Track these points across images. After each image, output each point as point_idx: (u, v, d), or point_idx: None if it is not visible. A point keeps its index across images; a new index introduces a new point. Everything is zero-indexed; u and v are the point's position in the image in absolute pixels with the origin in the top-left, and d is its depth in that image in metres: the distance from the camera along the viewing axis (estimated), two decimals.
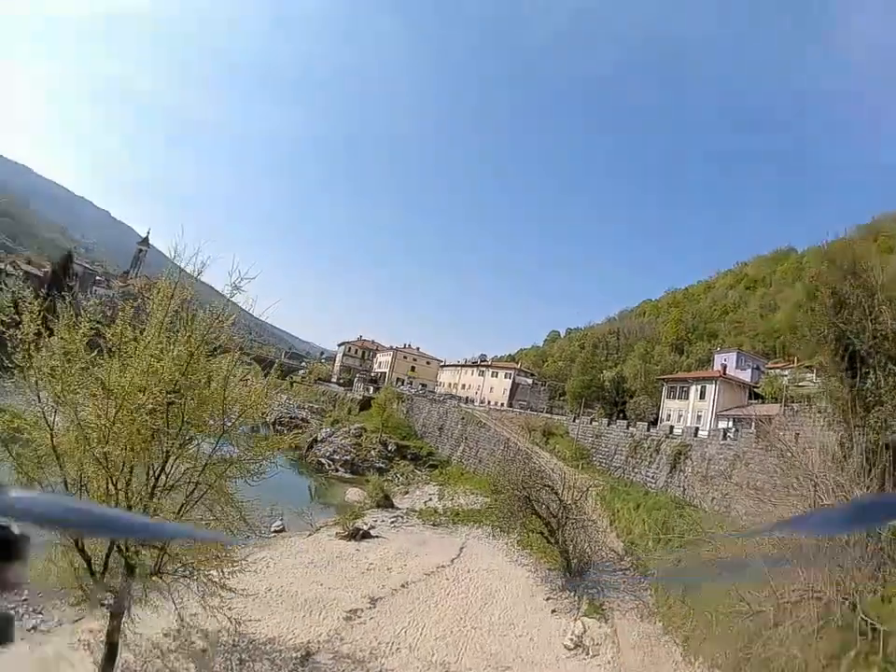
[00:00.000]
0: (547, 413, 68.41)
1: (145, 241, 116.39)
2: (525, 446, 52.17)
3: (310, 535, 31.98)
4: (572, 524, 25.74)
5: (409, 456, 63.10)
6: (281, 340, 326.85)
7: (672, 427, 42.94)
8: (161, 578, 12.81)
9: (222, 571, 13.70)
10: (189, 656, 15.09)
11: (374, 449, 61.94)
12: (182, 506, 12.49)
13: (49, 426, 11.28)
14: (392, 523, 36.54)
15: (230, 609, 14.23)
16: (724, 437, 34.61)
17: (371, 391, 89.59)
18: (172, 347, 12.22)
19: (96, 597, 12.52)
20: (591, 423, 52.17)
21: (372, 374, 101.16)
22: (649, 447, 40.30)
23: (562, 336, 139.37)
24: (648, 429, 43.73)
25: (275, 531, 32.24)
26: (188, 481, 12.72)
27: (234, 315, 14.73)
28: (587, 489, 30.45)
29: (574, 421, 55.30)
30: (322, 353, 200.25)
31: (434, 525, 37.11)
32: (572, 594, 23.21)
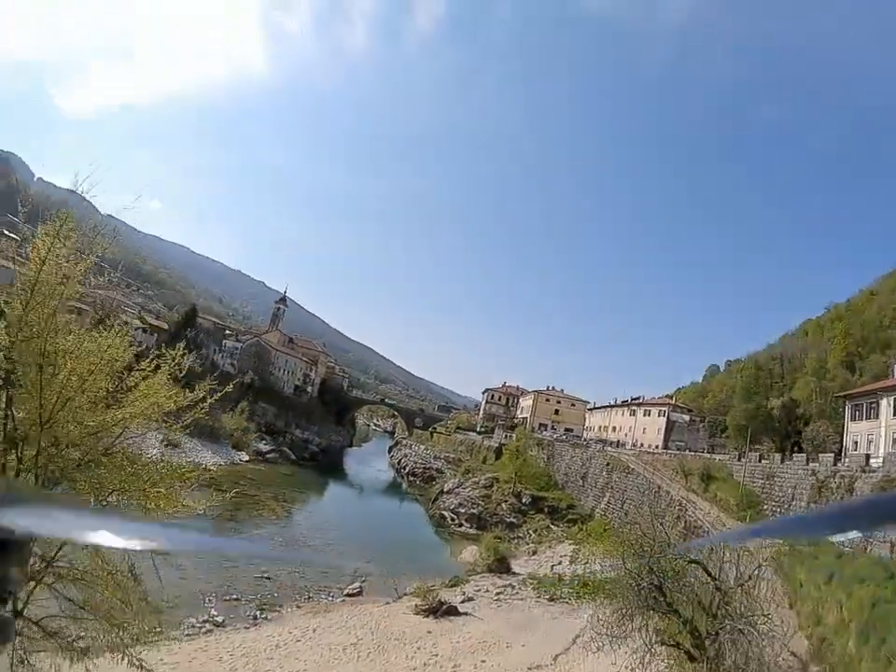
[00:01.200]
0: (707, 452, 56.45)
1: (282, 299, 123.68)
2: (679, 495, 41.91)
3: (386, 603, 26.24)
4: (731, 626, 15.41)
5: (545, 510, 55.11)
6: (440, 396, 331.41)
7: (868, 457, 31.03)
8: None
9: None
10: None
11: (506, 502, 54.94)
12: None
13: None
14: (497, 594, 29.50)
15: None
16: None
17: (510, 438, 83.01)
18: None
19: None
20: (760, 461, 40.58)
21: (514, 421, 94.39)
22: (838, 487, 29.04)
23: (721, 370, 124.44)
24: (834, 463, 32.12)
25: (349, 594, 27.01)
26: None
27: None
28: (759, 566, 18.79)
29: (739, 460, 43.75)
30: (476, 405, 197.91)
31: (552, 599, 29.46)
32: None
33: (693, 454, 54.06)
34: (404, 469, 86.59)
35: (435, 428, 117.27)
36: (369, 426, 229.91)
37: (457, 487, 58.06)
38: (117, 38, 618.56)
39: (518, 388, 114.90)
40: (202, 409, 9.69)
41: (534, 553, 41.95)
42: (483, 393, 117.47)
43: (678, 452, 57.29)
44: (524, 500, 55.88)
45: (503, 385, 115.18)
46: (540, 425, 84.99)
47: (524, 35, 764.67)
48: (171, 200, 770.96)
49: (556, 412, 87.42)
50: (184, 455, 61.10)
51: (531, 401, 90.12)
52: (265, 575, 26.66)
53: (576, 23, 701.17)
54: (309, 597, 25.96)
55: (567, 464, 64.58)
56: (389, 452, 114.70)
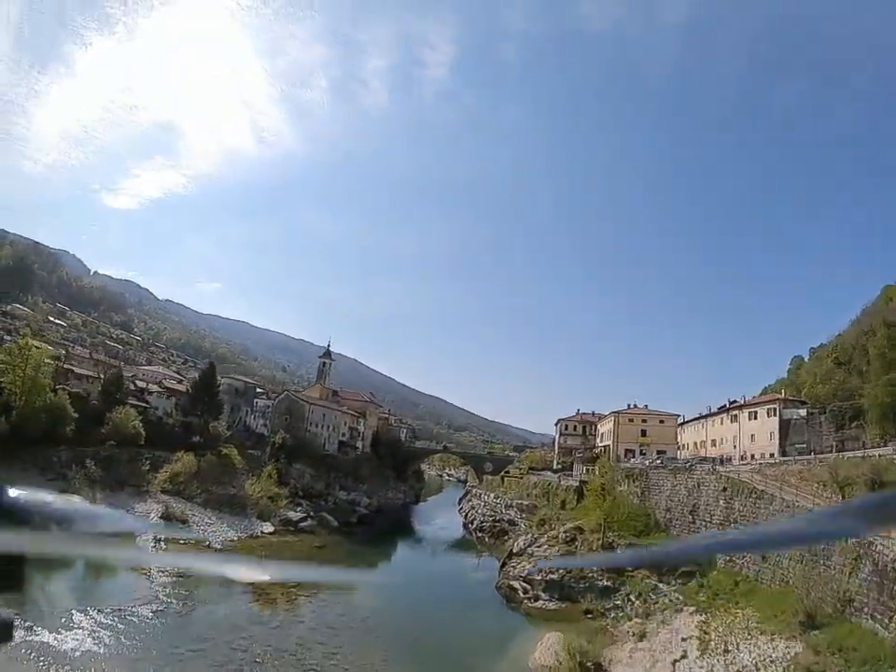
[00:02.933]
0: (837, 450, 41.65)
1: (326, 353, 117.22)
2: None
3: None
4: None
5: (646, 561, 41.37)
6: (516, 437, 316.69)
7: None
8: None
9: None
10: None
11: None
12: None
13: None
14: None
15: None
16: None
17: (592, 472, 69.42)
18: None
19: None
20: None
21: (594, 452, 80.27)
22: None
23: (806, 360, 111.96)
24: None
25: None
26: None
27: None
28: None
29: None
30: (553, 441, 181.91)
31: None
32: None
33: (822, 455, 39.24)
34: (471, 523, 73.92)
35: (507, 471, 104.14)
36: (441, 476, 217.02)
37: (530, 546, 45.29)
38: (153, 137, 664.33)
39: (594, 414, 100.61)
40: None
41: (642, 636, 28.71)
42: (556, 425, 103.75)
43: (802, 457, 42.62)
44: (619, 552, 42.44)
45: (577, 414, 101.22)
46: (626, 451, 70.57)
47: (531, 66, 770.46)
48: (229, 279, 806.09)
49: (643, 432, 72.66)
50: (187, 530, 52.09)
51: (611, 425, 75.97)
52: None
53: (579, 43, 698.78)
54: None
55: (667, 497, 50.43)
56: (459, 503, 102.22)
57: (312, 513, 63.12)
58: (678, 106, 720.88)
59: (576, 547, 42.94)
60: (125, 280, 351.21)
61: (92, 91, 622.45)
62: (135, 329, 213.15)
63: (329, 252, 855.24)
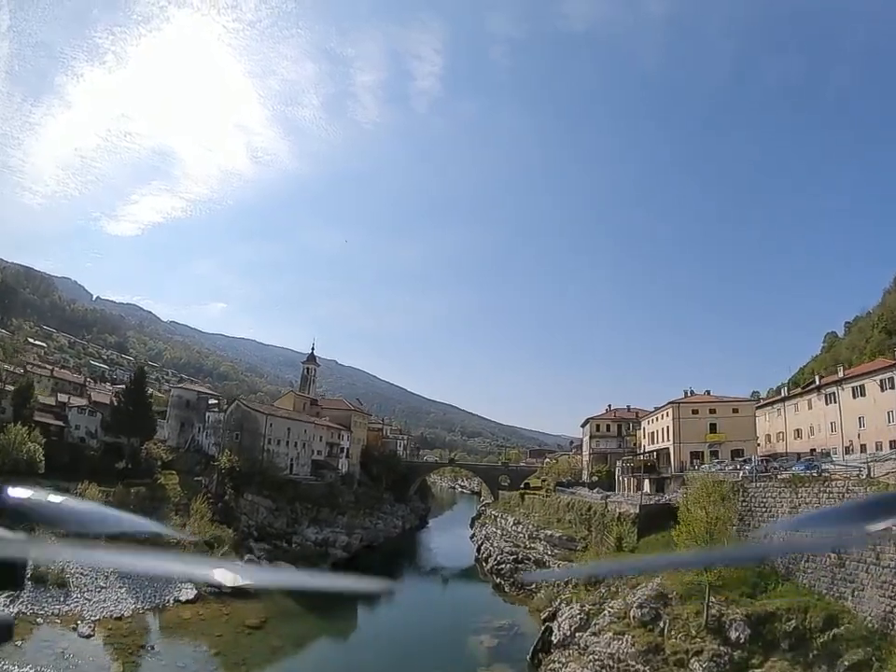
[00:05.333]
0: None
1: (310, 358, 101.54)
2: None
3: None
4: None
5: (779, 638, 23.63)
6: (529, 440, 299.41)
7: None
8: None
9: None
10: None
11: (699, 652, 23.63)
12: None
13: None
14: None
15: None
16: None
17: (651, 489, 51.49)
18: None
19: None
20: None
21: (643, 458, 61.71)
22: None
23: (840, 336, 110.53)
24: None
25: None
26: None
27: None
28: None
29: None
30: (571, 442, 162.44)
31: None
32: None
33: None
34: (486, 559, 55.82)
35: (527, 485, 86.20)
36: (454, 488, 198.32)
37: (581, 629, 27.04)
38: (150, 163, 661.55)
39: (629, 409, 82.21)
40: None
41: None
42: (584, 426, 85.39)
43: None
44: (735, 635, 24.39)
45: (609, 411, 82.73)
46: (692, 455, 52.16)
47: (520, 70, 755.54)
48: (234, 298, 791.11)
49: (712, 427, 53.64)
50: (60, 598, 34.74)
51: (667, 421, 56.94)
52: None
53: (565, 43, 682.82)
54: None
55: (786, 524, 32.44)
56: (471, 526, 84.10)
57: (263, 564, 45.59)
58: (672, 96, 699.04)
59: (662, 630, 24.87)
60: (127, 304, 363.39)
61: (87, 120, 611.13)
62: (131, 350, 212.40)
63: (335, 267, 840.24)
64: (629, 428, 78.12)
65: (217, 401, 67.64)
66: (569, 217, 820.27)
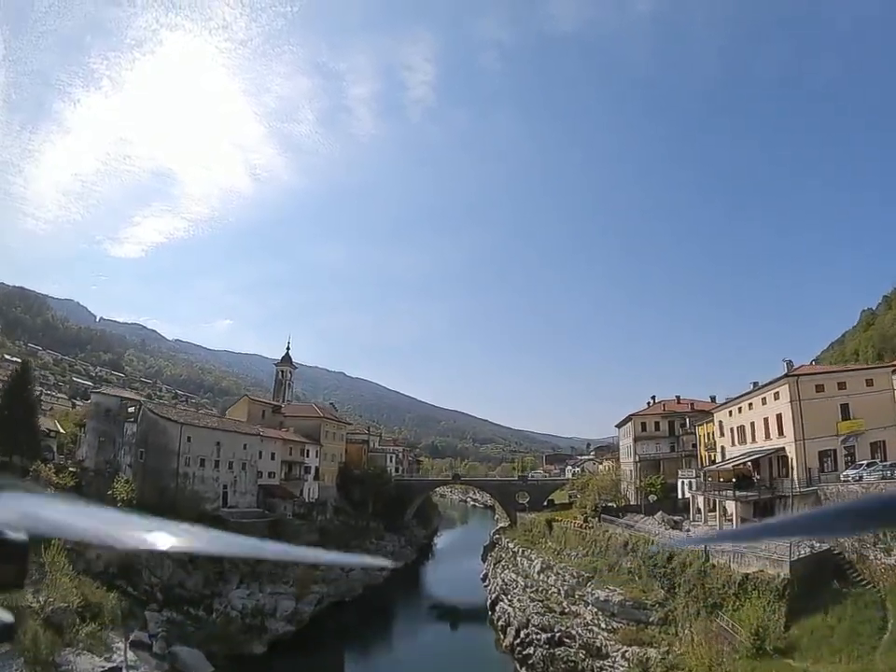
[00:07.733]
0: None
1: (284, 360, 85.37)
2: None
3: None
4: None
5: None
6: (542, 444, 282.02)
7: None
8: None
9: None
10: None
11: None
12: None
13: None
14: None
15: None
16: None
17: (748, 514, 33.12)
18: None
19: None
20: None
21: (732, 467, 42.70)
22: None
23: (875, 310, 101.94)
24: None
25: None
26: None
27: None
28: None
29: None
30: (588, 444, 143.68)
31: None
32: None
33: None
34: (504, 628, 37.46)
35: (551, 502, 68.09)
36: (465, 502, 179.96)
37: None
38: (150, 185, 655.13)
39: (678, 401, 63.61)
40: None
41: None
42: (621, 426, 66.82)
43: None
44: None
45: (656, 403, 63.95)
46: (820, 455, 33.14)
47: (511, 75, 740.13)
48: (239, 315, 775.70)
49: (844, 410, 34.47)
50: None
51: (772, 407, 36.84)
52: None
53: (554, 45, 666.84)
54: None
55: None
56: (483, 559, 65.51)
57: (159, 651, 27.93)
58: (663, 92, 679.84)
59: None
60: (131, 323, 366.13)
61: (86, 145, 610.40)
62: (126, 368, 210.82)
63: (339, 280, 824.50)
64: (684, 425, 59.59)
65: (133, 408, 49.34)
66: (569, 216, 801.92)
